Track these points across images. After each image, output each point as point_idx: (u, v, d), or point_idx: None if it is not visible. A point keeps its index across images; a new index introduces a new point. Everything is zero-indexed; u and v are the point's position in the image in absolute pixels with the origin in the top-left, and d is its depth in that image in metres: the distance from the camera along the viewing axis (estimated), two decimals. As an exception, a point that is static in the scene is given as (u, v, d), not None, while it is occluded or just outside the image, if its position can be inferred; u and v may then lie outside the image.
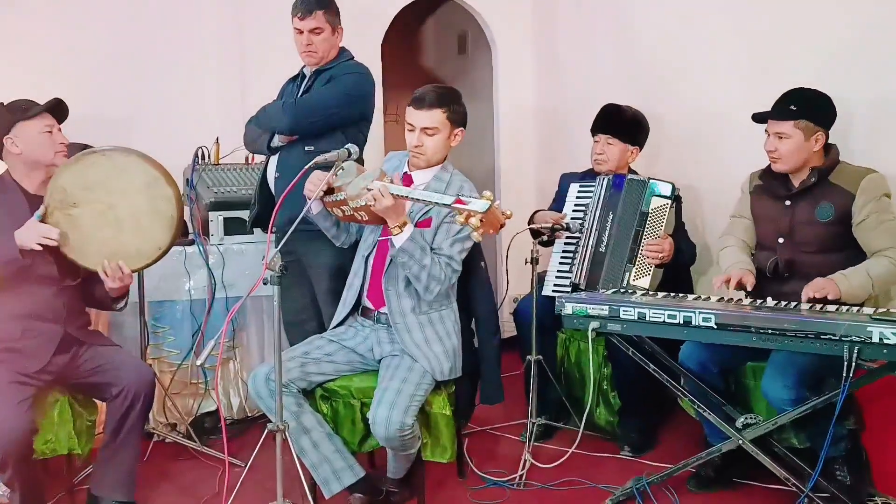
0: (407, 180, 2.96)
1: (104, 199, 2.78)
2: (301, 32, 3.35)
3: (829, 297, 2.71)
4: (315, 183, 2.81)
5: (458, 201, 2.42)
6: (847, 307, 2.62)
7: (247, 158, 3.95)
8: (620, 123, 3.63)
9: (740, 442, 2.75)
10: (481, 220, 2.35)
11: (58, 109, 2.90)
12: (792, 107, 2.90)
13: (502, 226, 2.48)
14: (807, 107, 2.90)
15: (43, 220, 2.72)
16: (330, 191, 2.84)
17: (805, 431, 2.86)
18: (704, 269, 3.75)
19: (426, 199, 2.58)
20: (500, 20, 4.86)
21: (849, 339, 2.39)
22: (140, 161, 2.82)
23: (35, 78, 3.67)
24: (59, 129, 2.90)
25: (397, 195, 2.62)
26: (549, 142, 4.83)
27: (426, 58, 6.01)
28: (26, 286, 2.77)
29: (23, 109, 2.83)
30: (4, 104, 2.86)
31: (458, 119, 2.91)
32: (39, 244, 2.69)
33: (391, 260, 2.84)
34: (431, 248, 2.81)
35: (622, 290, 3.09)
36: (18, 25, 3.78)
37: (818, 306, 2.65)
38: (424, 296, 2.82)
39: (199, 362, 2.40)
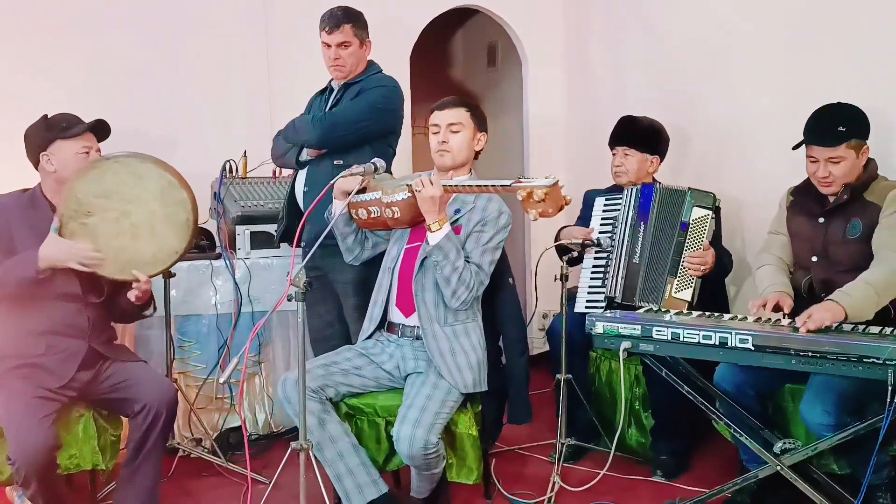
0: None
1: (119, 206, 2.75)
2: (329, 46, 3.33)
3: (835, 322, 2.57)
4: (351, 176, 2.77)
5: (518, 181, 2.42)
6: (892, 329, 2.51)
7: (274, 172, 3.93)
8: (636, 133, 3.59)
9: (778, 468, 2.65)
10: (545, 197, 2.33)
11: (99, 129, 2.87)
12: (841, 128, 2.78)
13: (561, 208, 2.43)
14: (853, 124, 2.79)
15: (59, 232, 2.70)
16: (361, 191, 2.81)
17: (846, 457, 2.75)
18: (739, 282, 3.67)
19: (483, 185, 2.56)
20: (530, 32, 4.81)
21: (893, 362, 2.29)
22: (155, 167, 2.79)
23: (66, 91, 3.69)
24: (99, 150, 2.86)
25: (448, 186, 2.60)
26: (579, 156, 4.76)
27: (455, 70, 5.98)
28: (50, 303, 2.75)
29: (63, 127, 2.80)
30: (47, 117, 2.83)
31: (481, 123, 2.95)
32: (81, 264, 2.68)
33: (421, 264, 2.82)
34: None
35: (656, 309, 3.01)
36: (50, 40, 3.80)
37: (861, 327, 2.55)
38: (451, 302, 2.78)
39: (222, 380, 2.37)
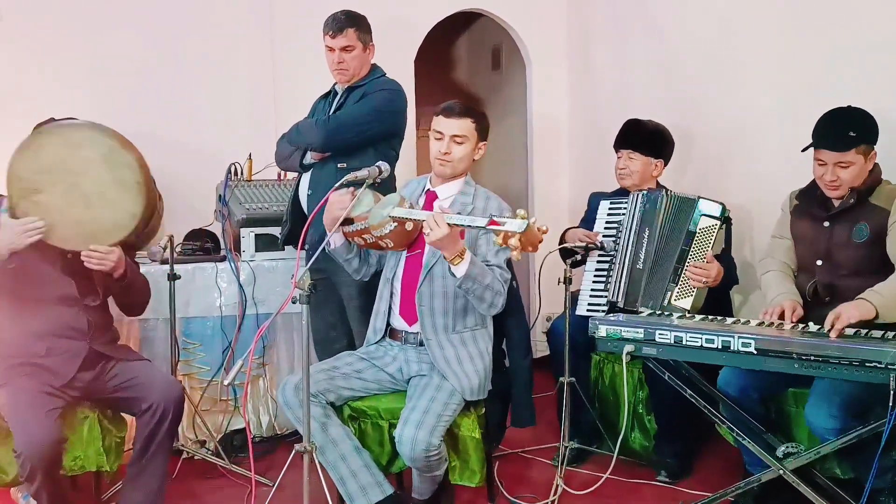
0: (431, 196, 2.95)
1: (65, 178, 2.68)
2: (332, 50, 3.35)
3: (864, 319, 2.57)
4: (337, 206, 2.79)
5: (493, 222, 2.38)
6: (894, 334, 2.51)
7: (279, 175, 3.94)
8: (641, 137, 3.59)
9: (781, 472, 2.66)
10: (520, 241, 2.31)
11: None
12: (851, 133, 2.77)
13: (540, 241, 2.43)
14: (863, 129, 2.78)
15: (12, 214, 2.66)
16: (349, 221, 2.81)
17: (849, 461, 2.75)
18: (746, 293, 3.64)
19: (460, 224, 2.53)
20: (534, 35, 4.82)
21: (895, 367, 2.29)
22: (92, 132, 2.72)
23: (70, 92, 3.74)
24: None
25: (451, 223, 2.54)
26: (583, 157, 4.77)
27: (459, 73, 5.99)
28: (48, 306, 2.76)
29: None
30: (55, 121, 2.82)
31: (484, 133, 2.93)
32: (30, 239, 2.63)
33: (427, 273, 2.82)
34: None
35: (659, 312, 3.01)
36: (54, 41, 3.83)
37: (863, 331, 2.54)
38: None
39: (226, 382, 2.38)
